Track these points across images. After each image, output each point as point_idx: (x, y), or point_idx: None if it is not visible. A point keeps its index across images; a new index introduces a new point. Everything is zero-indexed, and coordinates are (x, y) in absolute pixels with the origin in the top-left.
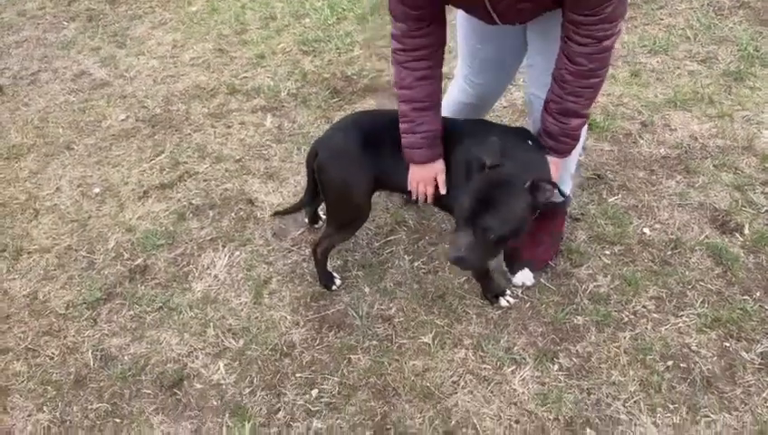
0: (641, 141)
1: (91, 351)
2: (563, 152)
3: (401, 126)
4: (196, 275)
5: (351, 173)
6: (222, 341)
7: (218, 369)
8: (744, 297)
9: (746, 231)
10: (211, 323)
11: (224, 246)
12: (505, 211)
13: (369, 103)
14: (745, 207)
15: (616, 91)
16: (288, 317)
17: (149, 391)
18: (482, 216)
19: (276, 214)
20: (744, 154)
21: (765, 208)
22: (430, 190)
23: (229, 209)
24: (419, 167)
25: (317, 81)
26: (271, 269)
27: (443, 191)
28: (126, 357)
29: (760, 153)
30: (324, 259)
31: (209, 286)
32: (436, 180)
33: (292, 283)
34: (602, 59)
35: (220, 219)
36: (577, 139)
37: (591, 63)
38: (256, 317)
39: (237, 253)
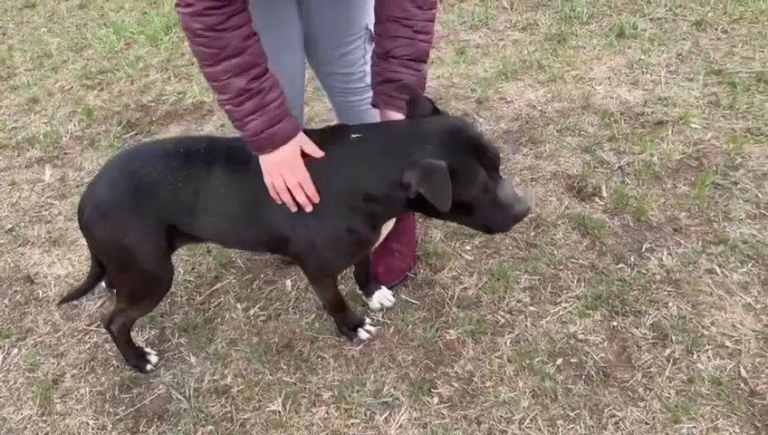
0: (480, 120)
1: None
2: None
3: (239, 111)
4: None
5: (129, 230)
6: None
7: None
8: (620, 266)
9: (604, 193)
10: None
11: None
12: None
13: (174, 131)
14: (597, 167)
15: (444, 73)
16: (90, 422)
17: None
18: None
19: (62, 302)
20: (584, 114)
21: (618, 165)
22: (302, 174)
23: (0, 295)
24: (284, 150)
25: (106, 116)
26: (62, 362)
27: (318, 155)
28: None
29: (599, 110)
30: (125, 337)
31: None
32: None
33: (93, 374)
34: None
35: None
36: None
37: None
38: (47, 433)
39: (15, 351)
